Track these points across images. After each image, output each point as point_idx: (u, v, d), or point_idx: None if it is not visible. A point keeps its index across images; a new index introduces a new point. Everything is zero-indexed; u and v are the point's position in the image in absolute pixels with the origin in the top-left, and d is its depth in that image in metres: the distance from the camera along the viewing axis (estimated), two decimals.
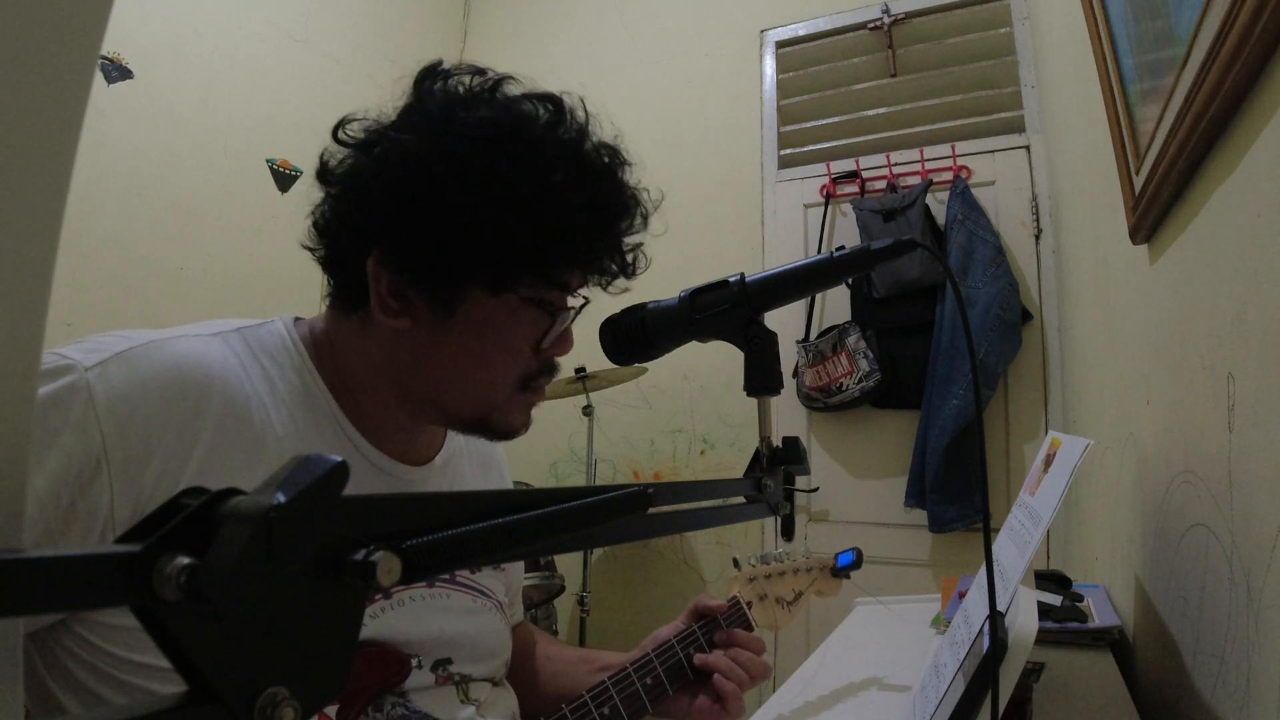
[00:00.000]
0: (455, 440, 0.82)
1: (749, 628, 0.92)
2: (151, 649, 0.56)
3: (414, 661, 0.67)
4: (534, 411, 0.72)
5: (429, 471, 0.76)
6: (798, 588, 1.01)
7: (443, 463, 0.78)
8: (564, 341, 0.71)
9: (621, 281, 0.72)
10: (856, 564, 1.05)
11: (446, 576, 0.74)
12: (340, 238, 0.67)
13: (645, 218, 0.72)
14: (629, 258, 0.72)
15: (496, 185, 0.61)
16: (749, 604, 0.94)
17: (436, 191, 0.61)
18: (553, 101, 0.66)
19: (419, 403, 0.69)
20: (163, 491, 0.56)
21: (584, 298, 0.74)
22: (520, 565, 0.93)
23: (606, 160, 0.68)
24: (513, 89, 0.67)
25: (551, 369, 0.71)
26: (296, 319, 0.73)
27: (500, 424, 0.70)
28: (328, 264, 0.69)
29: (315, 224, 0.68)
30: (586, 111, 0.68)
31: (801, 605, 1.02)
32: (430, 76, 0.66)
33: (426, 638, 0.69)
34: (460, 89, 0.66)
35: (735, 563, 0.99)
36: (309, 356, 0.69)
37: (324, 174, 0.67)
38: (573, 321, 0.72)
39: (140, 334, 0.61)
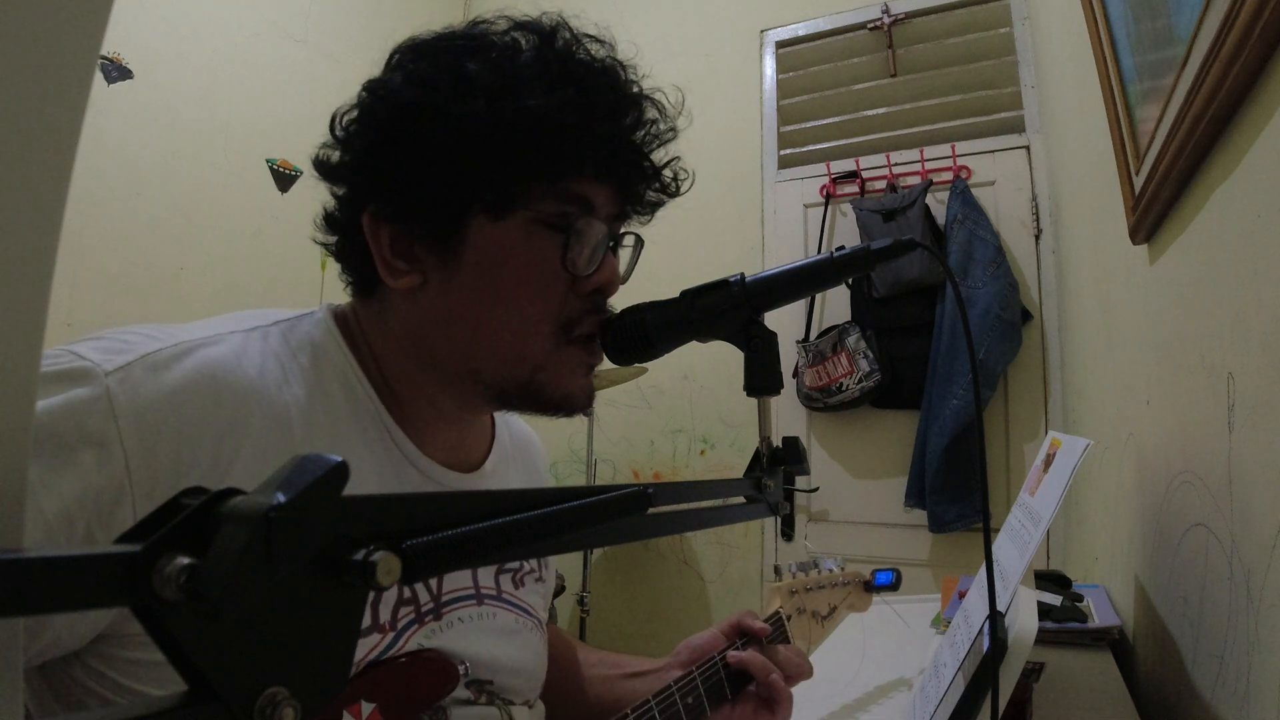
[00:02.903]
0: (503, 445, 0.78)
1: (788, 643, 0.89)
2: (171, 685, 0.54)
3: (461, 669, 0.63)
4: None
5: (479, 479, 0.71)
6: (833, 602, 0.98)
7: (491, 469, 0.74)
8: (604, 270, 0.62)
9: (627, 269, 0.67)
10: (894, 585, 1.02)
11: (493, 593, 0.69)
12: (340, 216, 0.63)
13: (663, 119, 0.66)
14: (667, 173, 0.66)
15: (462, 89, 0.56)
16: (788, 617, 0.91)
17: (406, 116, 0.57)
18: (527, 20, 0.62)
19: (456, 379, 0.62)
20: None
21: (635, 235, 0.68)
22: (553, 570, 0.88)
23: (591, 52, 0.62)
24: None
25: (597, 307, 0.62)
26: (336, 309, 0.66)
27: (552, 390, 0.62)
28: (338, 252, 0.64)
29: (323, 215, 0.65)
30: (570, 27, 0.62)
31: (836, 620, 0.98)
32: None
33: (472, 659, 0.65)
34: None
35: (776, 570, 0.96)
36: (350, 353, 0.63)
37: (318, 164, 0.63)
38: (610, 250, 0.63)
39: (167, 332, 0.54)
